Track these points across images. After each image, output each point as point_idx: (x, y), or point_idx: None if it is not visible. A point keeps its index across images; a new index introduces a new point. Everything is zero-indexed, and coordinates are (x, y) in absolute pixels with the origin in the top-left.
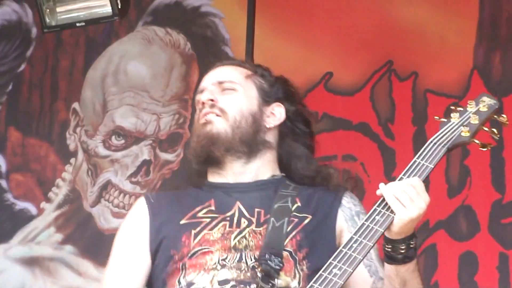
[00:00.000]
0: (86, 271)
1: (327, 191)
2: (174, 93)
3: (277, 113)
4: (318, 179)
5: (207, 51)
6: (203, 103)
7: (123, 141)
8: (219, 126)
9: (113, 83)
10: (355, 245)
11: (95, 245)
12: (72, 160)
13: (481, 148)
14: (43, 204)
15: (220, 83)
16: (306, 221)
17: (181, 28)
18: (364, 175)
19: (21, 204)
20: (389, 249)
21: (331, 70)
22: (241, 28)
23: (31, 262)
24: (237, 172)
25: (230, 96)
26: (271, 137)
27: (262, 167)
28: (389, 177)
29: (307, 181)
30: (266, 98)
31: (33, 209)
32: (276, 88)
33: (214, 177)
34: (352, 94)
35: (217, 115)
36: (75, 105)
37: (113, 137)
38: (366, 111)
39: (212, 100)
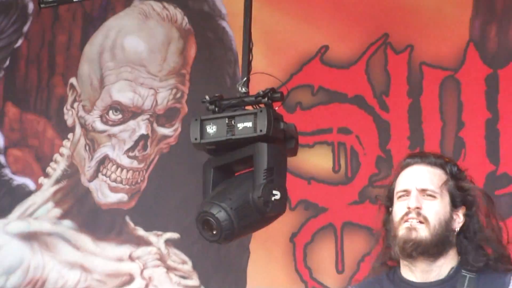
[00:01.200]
0: (84, 246)
1: (499, 273)
2: (171, 67)
3: (461, 216)
4: (491, 263)
5: (204, 26)
6: (409, 208)
7: (120, 116)
8: (422, 234)
9: (110, 58)
10: None
11: (92, 219)
12: (70, 135)
13: None
14: (41, 179)
15: (424, 190)
16: None
17: (178, 3)
18: (359, 148)
19: (19, 180)
20: None
21: (327, 43)
22: (238, 2)
23: (30, 237)
24: (425, 270)
25: (431, 204)
26: (454, 237)
27: (445, 264)
28: (384, 150)
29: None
30: (456, 203)
31: (31, 184)
32: (465, 194)
33: (405, 272)
34: (347, 67)
35: (421, 222)
36: (72, 80)
37: (111, 112)
38: (361, 84)
39: (418, 208)
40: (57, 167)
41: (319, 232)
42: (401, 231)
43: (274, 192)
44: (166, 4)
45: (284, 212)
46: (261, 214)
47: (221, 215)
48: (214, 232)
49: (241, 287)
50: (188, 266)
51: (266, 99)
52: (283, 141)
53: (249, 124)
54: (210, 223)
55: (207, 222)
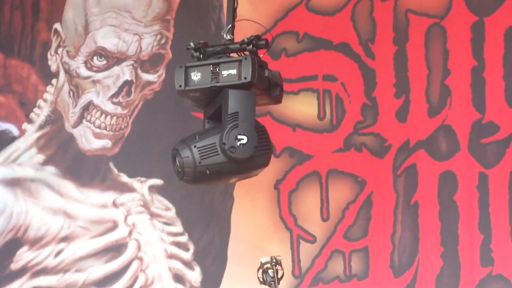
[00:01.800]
0: (67, 192)
1: None
2: (156, 13)
3: None
4: None
5: None
6: None
7: (104, 62)
8: None
9: (95, 4)
10: None
11: (76, 166)
12: (54, 81)
13: None
14: (25, 125)
15: None
16: None
17: None
18: (344, 95)
19: (2, 125)
20: None
21: None
22: None
23: (13, 183)
24: None
25: None
26: None
27: None
28: (369, 97)
29: None
30: None
31: (14, 130)
32: None
33: None
34: (333, 13)
35: None
36: (57, 25)
37: (95, 57)
38: (347, 31)
39: None
40: (41, 113)
41: (304, 180)
42: None
43: (240, 137)
44: None
45: (268, 163)
46: (229, 159)
47: (184, 151)
48: (179, 170)
49: (225, 234)
50: (171, 213)
51: (251, 46)
52: (267, 88)
53: (233, 72)
54: (177, 159)
55: (173, 158)
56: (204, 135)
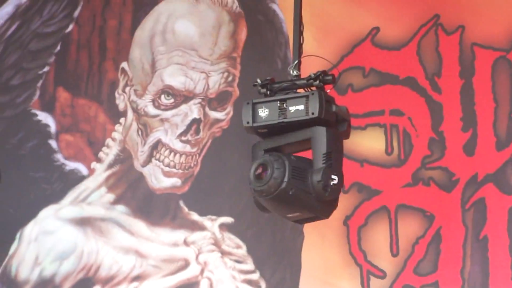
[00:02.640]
0: (138, 231)
1: None
2: (222, 51)
3: None
4: None
5: (254, 9)
6: None
7: (172, 100)
8: None
9: (161, 42)
10: None
11: (147, 204)
12: (122, 120)
13: None
14: (94, 164)
15: None
16: None
17: None
18: (411, 129)
19: (71, 165)
20: None
21: (378, 25)
22: None
23: (83, 222)
24: None
25: None
26: None
27: None
28: (436, 131)
29: None
30: None
31: (83, 169)
32: None
33: None
34: (399, 48)
35: None
36: (124, 64)
37: (162, 96)
38: (413, 65)
39: None
40: (110, 152)
41: (373, 215)
42: None
43: (333, 176)
44: None
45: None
46: (318, 199)
47: (278, 162)
48: (263, 178)
49: (296, 271)
50: (242, 251)
51: (317, 81)
52: (335, 123)
53: (301, 107)
54: (264, 166)
55: (261, 165)
56: (297, 158)
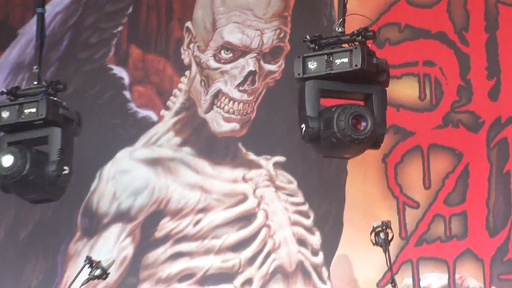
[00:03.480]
0: (203, 170)
1: None
2: (274, 10)
3: None
4: None
5: None
6: None
7: (231, 55)
8: None
9: (221, 3)
10: None
11: (209, 146)
12: (187, 73)
13: None
14: (163, 112)
15: None
16: None
17: None
18: (442, 78)
19: (143, 112)
20: None
21: None
22: None
23: (154, 162)
24: None
25: None
26: None
27: None
28: (464, 79)
29: None
30: None
31: (154, 116)
32: None
33: None
34: (431, 6)
35: None
36: (188, 24)
37: (222, 51)
38: (443, 21)
39: None
40: (176, 101)
41: (407, 153)
42: None
43: (65, 167)
44: None
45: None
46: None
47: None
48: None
49: (340, 203)
50: (293, 186)
51: (360, 37)
52: (375, 74)
53: (345, 60)
54: (368, 118)
55: (360, 117)
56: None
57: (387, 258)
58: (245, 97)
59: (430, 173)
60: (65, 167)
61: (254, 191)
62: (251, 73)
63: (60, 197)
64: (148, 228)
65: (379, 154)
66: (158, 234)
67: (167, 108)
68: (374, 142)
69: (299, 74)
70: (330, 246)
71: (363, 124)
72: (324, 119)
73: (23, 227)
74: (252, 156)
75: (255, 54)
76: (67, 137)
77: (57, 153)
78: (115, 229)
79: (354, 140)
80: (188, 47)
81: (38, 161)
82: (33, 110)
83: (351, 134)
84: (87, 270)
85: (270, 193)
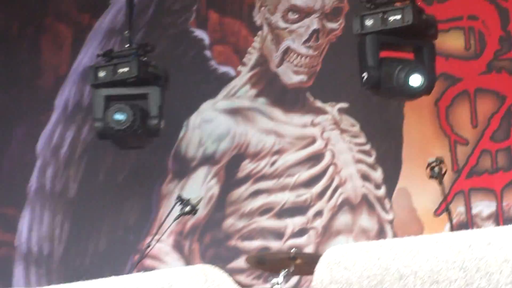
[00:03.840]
0: (276, 117)
1: None
2: None
3: None
4: None
5: None
6: None
7: (297, 16)
8: None
9: None
10: None
11: (281, 96)
12: (259, 33)
13: None
14: (240, 68)
15: None
16: None
17: None
18: (485, 30)
19: (222, 68)
20: None
21: None
22: None
23: (234, 112)
24: None
25: None
26: None
27: None
28: (505, 30)
29: None
30: None
31: (232, 72)
32: None
33: None
34: None
35: None
36: None
37: (289, 13)
38: None
39: None
40: (251, 58)
41: (456, 97)
42: None
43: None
44: None
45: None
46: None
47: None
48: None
49: (398, 142)
50: (356, 128)
51: None
52: (425, 29)
53: (398, 17)
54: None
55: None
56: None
57: (442, 190)
58: (310, 52)
59: (477, 114)
60: (162, 121)
61: (322, 134)
62: (315, 31)
63: (149, 144)
64: (231, 169)
65: (432, 98)
66: (240, 174)
67: (243, 64)
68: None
69: (357, 30)
70: (391, 180)
71: (417, 80)
72: (385, 71)
73: (120, 171)
74: (318, 103)
75: (318, 14)
76: (163, 95)
77: (158, 109)
78: (202, 171)
79: (408, 93)
80: (259, 10)
81: (142, 116)
82: (126, 69)
83: (406, 90)
84: (178, 207)
85: (336, 135)
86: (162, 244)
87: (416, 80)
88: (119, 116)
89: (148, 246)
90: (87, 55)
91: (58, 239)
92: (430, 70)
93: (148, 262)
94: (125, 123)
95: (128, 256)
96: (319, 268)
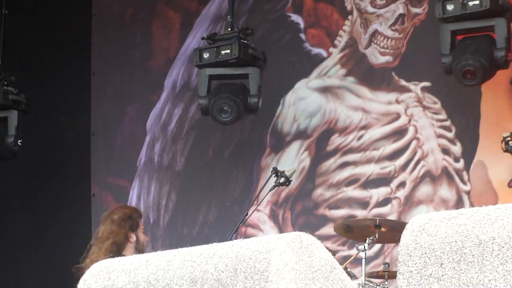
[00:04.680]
0: (363, 94)
1: None
2: None
3: None
4: None
5: None
6: None
7: (384, 1)
8: None
9: None
10: None
11: (369, 76)
12: (350, 17)
13: None
14: (331, 49)
15: None
16: None
17: None
18: None
19: (315, 50)
20: None
21: None
22: None
23: (324, 90)
24: None
25: None
26: None
27: None
28: None
29: None
30: None
31: (324, 53)
32: None
33: None
34: None
35: None
36: None
37: None
38: None
39: None
40: (342, 40)
41: None
42: None
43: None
44: None
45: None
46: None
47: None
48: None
49: (476, 118)
50: (438, 105)
51: None
52: (501, 11)
53: (477, 2)
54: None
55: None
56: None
57: None
58: (396, 35)
59: None
60: (261, 99)
61: (406, 111)
62: (401, 16)
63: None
64: (321, 143)
65: (507, 76)
66: (329, 148)
67: (335, 46)
68: (502, 64)
69: (439, 14)
70: (469, 154)
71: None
72: (454, 58)
73: (227, 147)
74: (403, 82)
75: (404, 0)
76: (262, 75)
77: (257, 89)
78: (295, 145)
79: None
80: None
81: (243, 98)
82: (228, 51)
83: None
84: (273, 178)
85: (419, 112)
86: (260, 214)
87: None
88: (225, 116)
89: (246, 215)
90: (194, 39)
91: (164, 208)
92: (505, 47)
93: (249, 230)
94: (230, 119)
95: (235, 225)
96: (405, 234)
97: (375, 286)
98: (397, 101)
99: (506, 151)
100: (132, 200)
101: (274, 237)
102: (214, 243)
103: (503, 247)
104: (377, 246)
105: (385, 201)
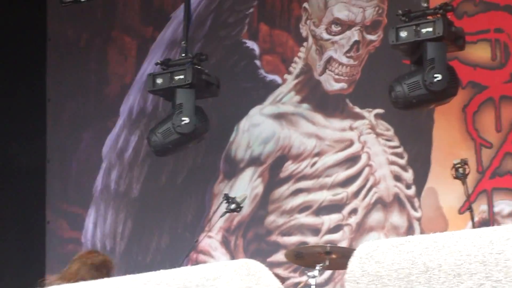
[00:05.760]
0: (317, 121)
1: None
2: None
3: None
4: None
5: None
6: None
7: (339, 28)
8: None
9: None
10: None
11: (323, 102)
12: (305, 43)
13: None
14: (286, 76)
15: None
16: None
17: None
18: (510, 42)
19: (270, 77)
20: None
21: None
22: None
23: (279, 116)
24: None
25: None
26: None
27: None
28: None
29: None
30: None
31: (279, 80)
32: None
33: None
34: None
35: None
36: (305, 4)
37: (333, 25)
38: None
39: None
40: (297, 67)
41: (483, 104)
42: None
43: (436, 75)
44: None
45: (456, 93)
46: (428, 91)
47: (397, 86)
48: (394, 100)
49: (428, 145)
50: (391, 132)
51: (441, 10)
52: (454, 39)
53: (430, 29)
54: (392, 93)
55: (389, 92)
56: (410, 75)
57: (465, 189)
58: (351, 62)
59: (501, 119)
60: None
61: (359, 138)
62: (356, 43)
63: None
64: (274, 170)
65: (460, 105)
66: (283, 174)
67: (289, 72)
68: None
69: (392, 41)
70: (420, 180)
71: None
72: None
73: (180, 173)
74: (357, 109)
75: (359, 27)
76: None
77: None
78: (249, 171)
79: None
80: (305, 23)
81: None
82: (182, 76)
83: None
84: (224, 205)
85: (372, 139)
86: (211, 240)
87: None
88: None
89: (196, 241)
90: (150, 65)
91: (121, 236)
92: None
93: (200, 257)
94: (192, 131)
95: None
96: (352, 261)
97: None
98: (351, 128)
99: (456, 178)
100: (88, 228)
101: (222, 264)
102: (162, 270)
103: (449, 274)
104: (328, 273)
105: (336, 228)
